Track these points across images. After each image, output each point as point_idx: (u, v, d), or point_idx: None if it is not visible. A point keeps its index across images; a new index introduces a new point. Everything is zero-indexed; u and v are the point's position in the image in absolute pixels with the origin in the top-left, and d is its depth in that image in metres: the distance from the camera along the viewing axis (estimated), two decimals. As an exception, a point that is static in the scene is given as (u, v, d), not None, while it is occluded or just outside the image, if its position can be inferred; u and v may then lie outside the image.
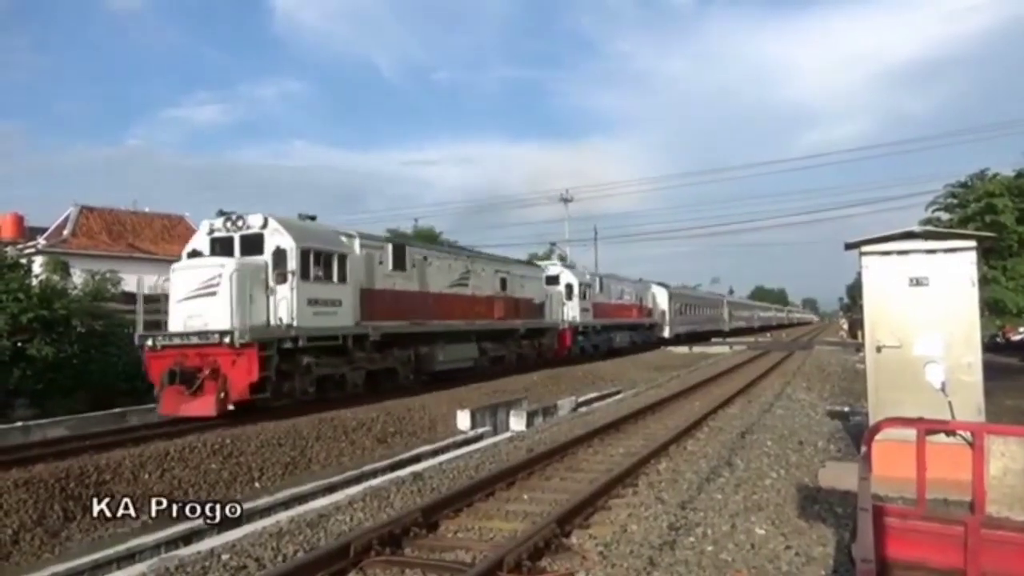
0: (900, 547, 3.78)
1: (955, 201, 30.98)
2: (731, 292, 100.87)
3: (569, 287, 29.40)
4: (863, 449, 3.88)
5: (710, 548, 6.00)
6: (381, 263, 16.86)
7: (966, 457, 4.13)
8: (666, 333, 43.45)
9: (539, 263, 29.16)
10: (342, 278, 14.98)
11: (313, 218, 15.67)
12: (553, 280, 29.02)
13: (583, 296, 30.09)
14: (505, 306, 23.10)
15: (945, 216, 30.77)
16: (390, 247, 17.33)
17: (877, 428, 4.05)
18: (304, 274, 13.89)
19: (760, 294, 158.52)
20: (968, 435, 4.46)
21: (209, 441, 10.95)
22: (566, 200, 56.26)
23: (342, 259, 15.00)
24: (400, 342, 17.40)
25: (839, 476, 7.80)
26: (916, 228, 8.41)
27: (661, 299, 43.62)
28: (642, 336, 39.34)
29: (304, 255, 13.92)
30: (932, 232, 8.47)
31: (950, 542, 3.73)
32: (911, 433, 4.08)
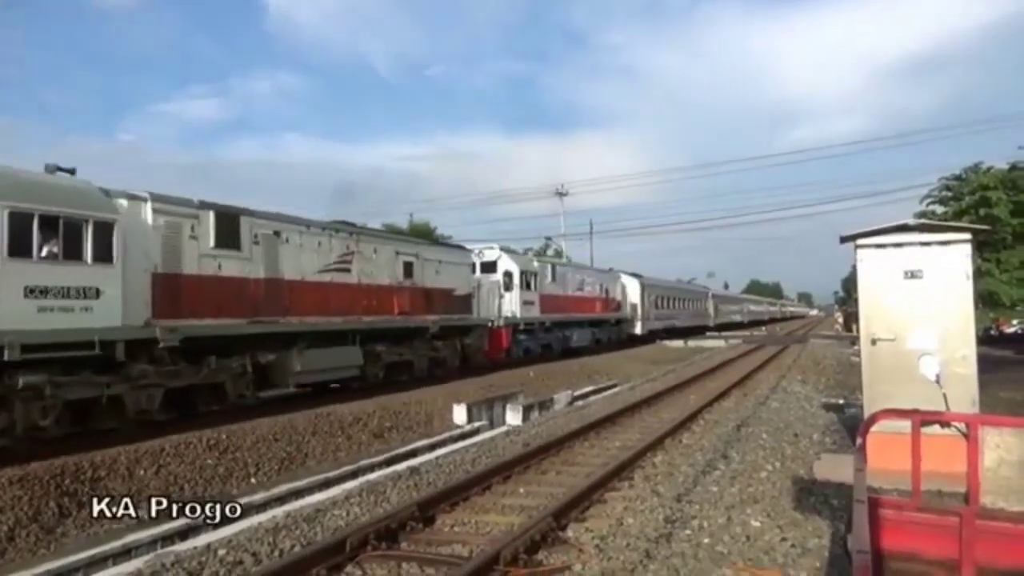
0: (895, 538, 3.80)
1: (949, 194, 31.05)
2: (726, 287, 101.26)
3: (508, 275, 24.36)
4: (858, 441, 3.89)
5: (706, 540, 6.02)
6: (195, 238, 12.17)
7: (961, 449, 4.14)
8: (638, 329, 38.15)
9: (470, 247, 23.55)
10: (103, 257, 10.30)
11: (72, 171, 10.78)
12: (489, 267, 24.07)
13: (526, 286, 25.13)
14: (411, 298, 18.08)
15: (940, 209, 30.85)
16: (211, 216, 12.47)
17: (872, 420, 4.05)
18: (18, 249, 9.36)
19: (755, 288, 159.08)
20: (963, 426, 4.48)
21: (205, 437, 10.92)
22: (561, 194, 56.25)
23: (102, 229, 10.31)
24: (228, 347, 12.70)
25: (834, 468, 7.84)
26: (911, 221, 8.43)
27: (632, 291, 38.40)
28: (607, 333, 34.45)
29: (18, 221, 9.36)
30: (927, 225, 8.49)
31: (945, 533, 3.75)
32: (906, 425, 4.09)
